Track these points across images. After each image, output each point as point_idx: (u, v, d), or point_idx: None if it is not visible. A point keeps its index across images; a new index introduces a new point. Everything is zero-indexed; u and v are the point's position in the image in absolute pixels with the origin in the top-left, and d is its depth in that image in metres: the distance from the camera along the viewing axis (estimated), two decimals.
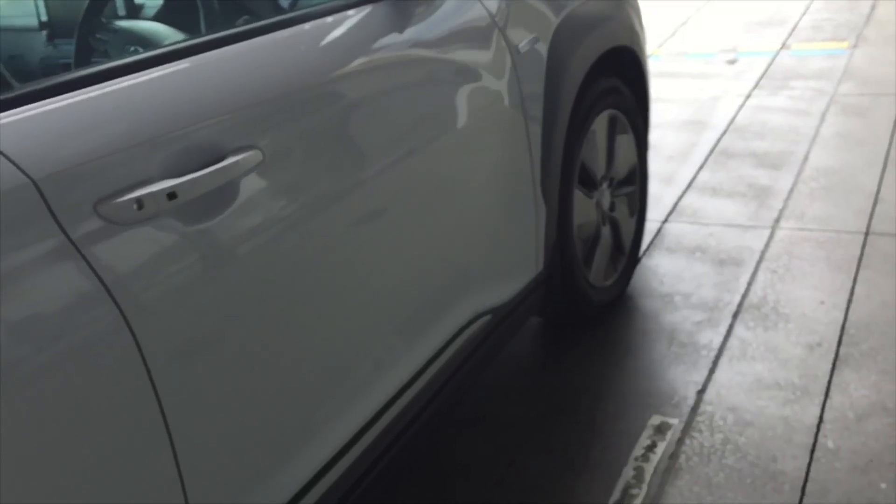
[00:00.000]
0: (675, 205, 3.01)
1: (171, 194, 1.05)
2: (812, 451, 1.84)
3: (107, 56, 1.53)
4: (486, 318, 1.82)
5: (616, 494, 1.81)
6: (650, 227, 2.78)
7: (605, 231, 2.36)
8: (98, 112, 1.04)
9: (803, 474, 1.78)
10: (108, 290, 0.98)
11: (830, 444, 1.85)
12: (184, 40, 1.24)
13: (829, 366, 2.09)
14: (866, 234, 2.65)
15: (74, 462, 0.96)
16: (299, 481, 1.30)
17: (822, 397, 1.99)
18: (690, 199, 3.04)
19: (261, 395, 1.21)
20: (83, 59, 1.48)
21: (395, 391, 1.51)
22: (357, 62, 1.43)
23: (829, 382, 2.04)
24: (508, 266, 1.89)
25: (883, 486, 1.73)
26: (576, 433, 2.01)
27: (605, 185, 2.35)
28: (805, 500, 1.72)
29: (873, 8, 5.02)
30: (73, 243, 0.96)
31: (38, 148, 0.96)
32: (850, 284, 2.41)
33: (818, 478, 1.77)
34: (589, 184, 2.25)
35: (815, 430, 1.90)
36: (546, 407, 2.12)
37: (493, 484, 1.89)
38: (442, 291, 1.68)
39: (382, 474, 1.54)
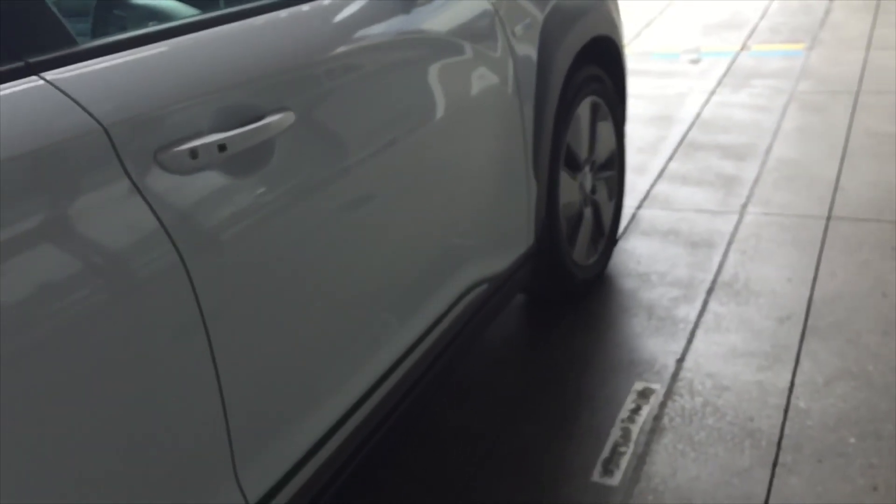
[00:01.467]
0: (648, 192, 3.15)
1: (222, 146, 1.13)
2: (785, 412, 1.97)
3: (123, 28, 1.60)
4: (484, 286, 1.92)
5: (605, 452, 1.92)
6: (625, 213, 2.91)
7: (587, 212, 2.48)
8: (156, 68, 1.12)
9: (778, 432, 1.91)
10: (166, 232, 1.06)
11: (802, 405, 1.99)
12: (226, 7, 1.32)
13: (798, 336, 2.23)
14: (828, 218, 2.81)
15: (131, 384, 1.04)
16: (316, 433, 1.38)
17: (792, 364, 2.13)
18: (662, 188, 3.18)
19: (292, 337, 1.30)
20: (101, 29, 1.54)
21: (404, 352, 1.61)
22: (372, 39, 1.52)
23: (799, 351, 2.18)
24: (504, 238, 1.99)
25: (852, 440, 1.86)
26: (564, 400, 2.12)
27: (587, 169, 2.47)
28: (781, 455, 1.85)
29: (827, 12, 5.25)
30: (136, 187, 1.04)
31: (106, 98, 1.03)
32: (814, 263, 2.56)
33: (792, 434, 1.90)
34: (573, 166, 2.36)
35: (787, 392, 2.03)
36: (535, 377, 2.22)
37: (488, 448, 1.99)
38: (445, 260, 1.78)
39: (386, 435, 1.63)
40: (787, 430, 1.91)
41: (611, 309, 2.48)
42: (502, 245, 1.98)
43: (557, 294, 2.44)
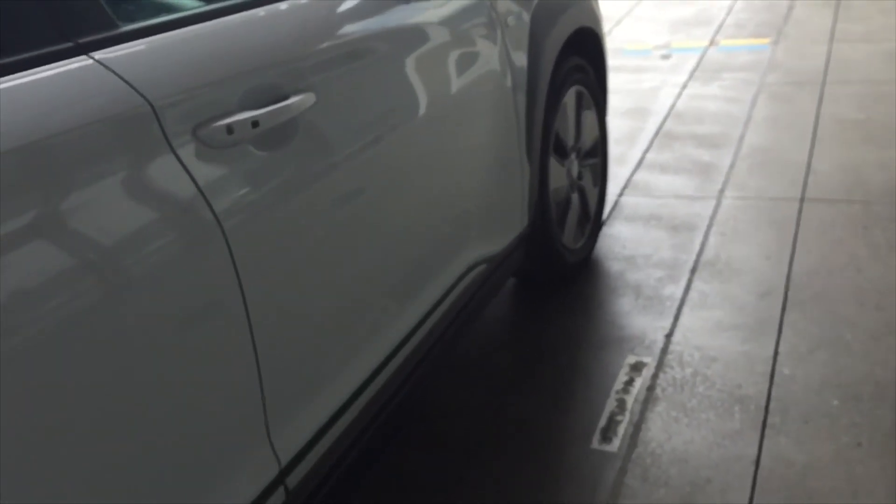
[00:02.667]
0: (629, 180, 3.26)
1: (255, 123, 1.20)
2: (771, 378, 2.08)
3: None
4: (483, 266, 2.00)
5: (603, 422, 2.01)
6: (608, 200, 3.01)
7: (575, 197, 2.58)
8: (194, 49, 1.19)
9: (765, 397, 2.02)
10: (206, 201, 1.13)
11: (787, 372, 2.10)
12: None
13: (780, 309, 2.35)
14: (801, 200, 2.93)
15: (174, 347, 1.11)
16: (339, 399, 1.45)
17: (775, 335, 2.24)
18: (642, 176, 3.29)
19: (318, 303, 1.37)
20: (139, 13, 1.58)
21: (415, 324, 1.68)
22: (382, 28, 1.60)
23: (781, 323, 2.29)
24: (500, 220, 2.08)
25: (835, 402, 1.97)
26: (560, 375, 2.21)
27: (573, 156, 2.56)
28: (769, 417, 1.95)
29: (790, 8, 5.42)
30: (179, 160, 1.11)
31: (152, 77, 1.10)
32: (791, 242, 2.68)
33: (779, 398, 2.01)
34: (561, 153, 2.46)
35: (772, 361, 2.14)
36: (530, 354, 2.31)
37: (489, 422, 2.07)
38: (447, 241, 1.86)
39: (399, 406, 1.70)
40: (773, 395, 2.02)
41: (599, 290, 2.58)
42: (499, 226, 2.07)
43: (548, 276, 2.53)
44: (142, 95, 1.07)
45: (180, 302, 1.11)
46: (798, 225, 2.78)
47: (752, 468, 1.81)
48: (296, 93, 1.30)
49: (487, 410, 2.11)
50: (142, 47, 1.13)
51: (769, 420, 1.94)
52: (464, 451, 1.98)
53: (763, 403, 2.00)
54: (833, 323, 2.26)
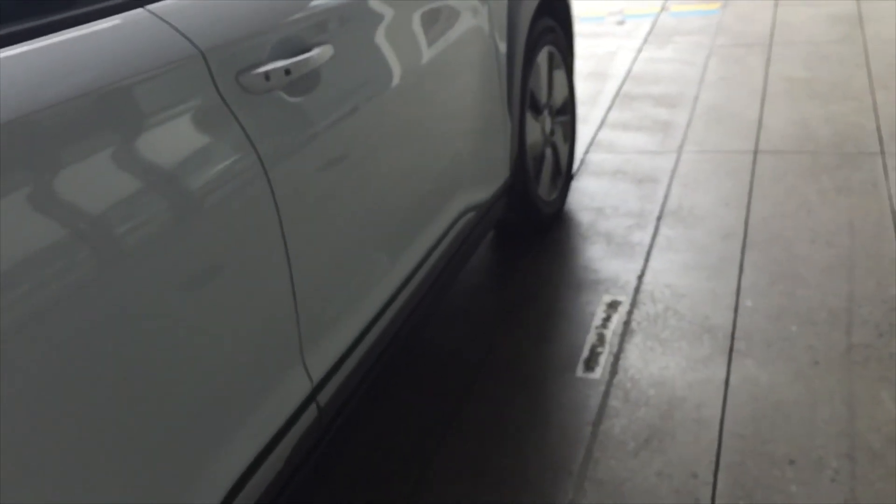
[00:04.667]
0: (593, 139, 3.43)
1: (287, 71, 1.32)
2: (735, 310, 2.27)
3: None
4: (473, 213, 2.15)
5: (585, 353, 2.19)
6: (575, 157, 3.18)
7: (548, 152, 2.74)
8: (233, 2, 1.30)
9: (731, 325, 2.21)
10: (249, 140, 1.25)
11: (749, 304, 2.29)
12: None
13: (740, 249, 2.55)
14: (755, 152, 3.14)
15: (221, 275, 1.23)
16: (360, 324, 1.60)
17: (737, 272, 2.44)
18: (605, 134, 3.47)
19: (345, 234, 1.51)
20: None
21: (419, 261, 1.83)
22: None
23: (742, 261, 2.49)
24: (487, 171, 2.22)
25: (793, 328, 2.18)
26: (542, 315, 2.38)
27: (546, 113, 2.72)
28: (735, 343, 2.15)
29: None
30: (225, 103, 1.23)
31: (200, 27, 1.21)
32: (747, 190, 2.88)
33: (743, 326, 2.20)
34: (536, 109, 2.61)
35: (735, 295, 2.34)
36: (512, 298, 2.47)
37: (480, 360, 2.23)
38: (442, 189, 1.99)
39: (410, 334, 1.85)
40: (738, 324, 2.21)
41: (573, 238, 2.75)
42: (486, 177, 2.22)
43: (526, 226, 2.69)
44: (192, 43, 1.19)
45: (231, 233, 1.23)
46: (753, 175, 2.98)
47: (723, 387, 2.00)
48: (317, 45, 1.43)
49: (478, 348, 2.27)
50: (189, 0, 1.24)
51: (735, 346, 2.14)
52: (459, 384, 2.13)
53: (729, 332, 2.19)
54: (789, 260, 2.46)
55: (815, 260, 2.44)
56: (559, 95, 2.80)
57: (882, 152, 3.02)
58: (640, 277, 2.48)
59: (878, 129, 3.20)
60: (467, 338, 2.32)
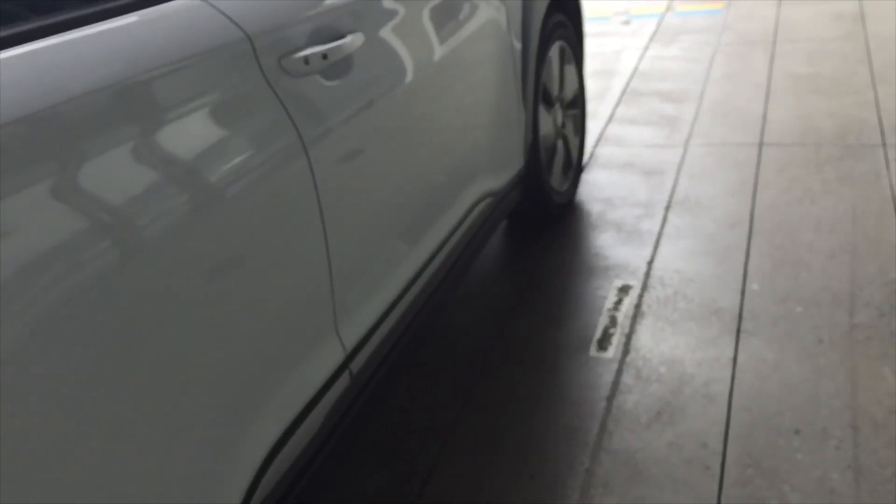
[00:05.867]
0: (602, 133, 3.52)
1: (324, 55, 1.41)
2: (742, 293, 2.36)
3: None
4: (489, 199, 2.24)
5: (598, 334, 2.28)
6: (584, 150, 3.27)
7: (560, 144, 2.83)
8: None
9: (738, 307, 2.30)
10: (291, 120, 1.34)
11: (755, 287, 2.38)
12: None
13: (746, 237, 2.63)
14: (760, 144, 3.23)
15: (264, 248, 1.31)
16: (389, 297, 1.69)
17: (744, 258, 2.53)
18: (613, 129, 3.56)
19: (377, 208, 1.60)
20: None
21: (441, 241, 1.92)
22: None
23: (748, 248, 2.57)
24: (503, 159, 2.32)
25: (798, 309, 2.26)
26: (555, 299, 2.47)
27: (558, 106, 2.81)
28: (742, 324, 2.23)
29: None
30: (269, 85, 1.32)
31: (247, 13, 1.30)
32: (752, 181, 2.97)
33: (749, 308, 2.29)
34: (548, 102, 2.70)
35: (742, 279, 2.42)
36: (526, 282, 2.56)
37: (494, 339, 2.32)
38: (462, 175, 2.08)
39: (425, 317, 1.94)
40: (745, 306, 2.30)
41: (584, 227, 2.84)
42: (502, 165, 2.31)
43: (539, 214, 2.78)
44: (240, 28, 1.28)
45: (276, 209, 1.32)
46: (758, 166, 3.07)
47: (731, 365, 2.09)
48: (350, 33, 1.52)
49: (493, 331, 2.36)
50: None
51: (743, 326, 2.22)
52: (476, 365, 2.22)
53: (736, 313, 2.28)
54: (793, 246, 2.55)
55: (818, 246, 2.53)
56: (570, 89, 2.89)
57: (883, 144, 3.10)
58: (650, 263, 2.56)
59: (880, 121, 3.28)
60: (482, 320, 2.41)
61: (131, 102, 1.11)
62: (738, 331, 2.21)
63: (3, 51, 1.02)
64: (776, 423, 1.88)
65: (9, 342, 0.90)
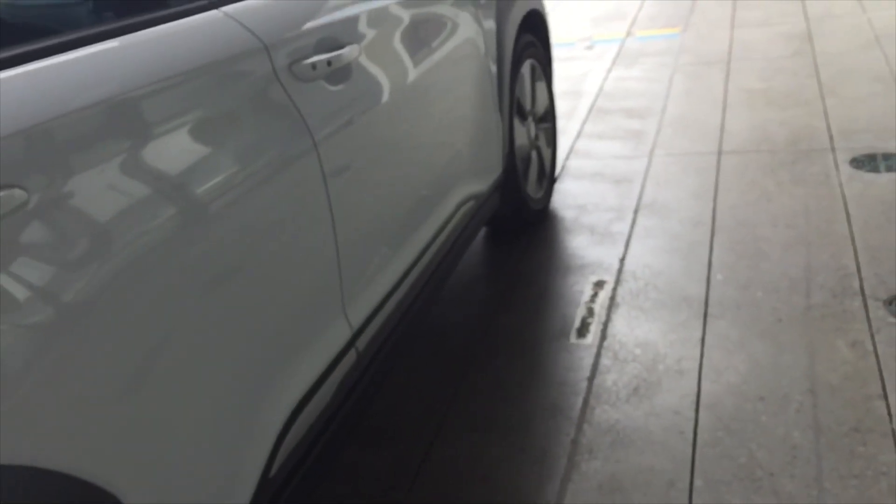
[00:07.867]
0: (572, 148, 3.73)
1: (329, 62, 1.59)
2: (708, 282, 2.56)
3: None
4: (472, 202, 2.42)
5: (577, 323, 2.46)
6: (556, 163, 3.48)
7: (534, 154, 3.03)
8: (287, 5, 1.58)
9: (704, 295, 2.49)
10: (304, 121, 1.52)
11: (720, 277, 2.58)
12: None
13: (709, 234, 2.84)
14: (719, 153, 3.46)
15: (278, 238, 1.48)
16: (391, 281, 1.86)
17: (708, 252, 2.73)
18: (582, 143, 3.78)
19: (380, 200, 1.77)
20: None
21: (432, 235, 2.09)
22: (401, 2, 2.01)
23: (711, 242, 2.78)
24: (485, 165, 2.51)
25: (759, 294, 2.46)
26: (536, 295, 2.65)
27: (531, 119, 3.01)
28: (709, 309, 2.42)
29: (695, 1, 6.04)
30: (284, 89, 1.49)
31: (265, 25, 1.48)
32: (713, 185, 3.19)
33: (715, 296, 2.48)
34: (522, 115, 2.90)
35: (707, 270, 2.62)
36: (508, 282, 2.74)
37: (482, 333, 2.49)
38: (449, 177, 2.27)
39: (428, 296, 2.11)
40: (710, 294, 2.50)
41: (559, 231, 3.03)
42: (484, 170, 2.50)
43: (517, 220, 2.97)
44: (258, 38, 1.46)
45: (290, 200, 1.49)
46: (718, 172, 3.29)
47: (699, 344, 2.28)
48: (348, 44, 1.71)
49: (480, 326, 2.53)
50: (254, 2, 1.51)
51: (709, 311, 2.42)
52: (466, 357, 2.39)
53: (703, 300, 2.47)
54: (753, 240, 2.76)
55: (776, 240, 2.74)
56: (541, 104, 3.10)
57: (833, 149, 3.34)
58: (622, 260, 2.76)
59: (829, 128, 3.53)
60: (470, 317, 2.58)
61: (165, 101, 1.28)
62: (706, 315, 2.40)
63: (55, 56, 1.19)
64: (742, 392, 2.07)
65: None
